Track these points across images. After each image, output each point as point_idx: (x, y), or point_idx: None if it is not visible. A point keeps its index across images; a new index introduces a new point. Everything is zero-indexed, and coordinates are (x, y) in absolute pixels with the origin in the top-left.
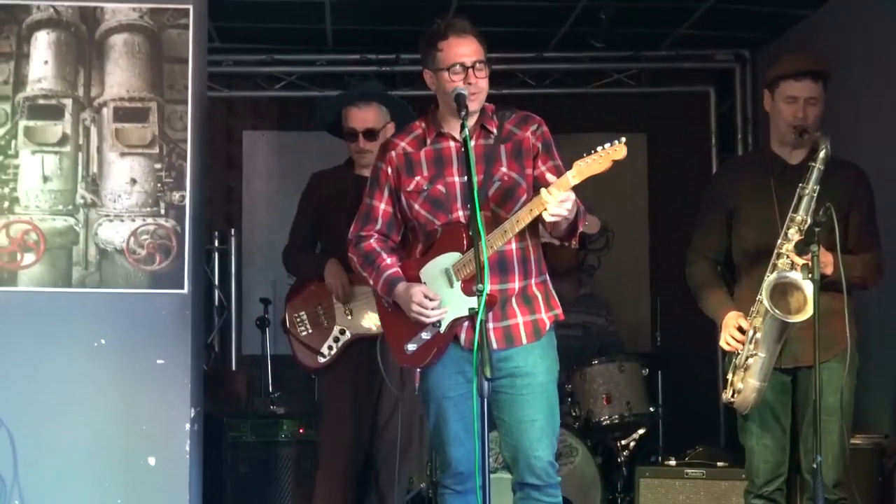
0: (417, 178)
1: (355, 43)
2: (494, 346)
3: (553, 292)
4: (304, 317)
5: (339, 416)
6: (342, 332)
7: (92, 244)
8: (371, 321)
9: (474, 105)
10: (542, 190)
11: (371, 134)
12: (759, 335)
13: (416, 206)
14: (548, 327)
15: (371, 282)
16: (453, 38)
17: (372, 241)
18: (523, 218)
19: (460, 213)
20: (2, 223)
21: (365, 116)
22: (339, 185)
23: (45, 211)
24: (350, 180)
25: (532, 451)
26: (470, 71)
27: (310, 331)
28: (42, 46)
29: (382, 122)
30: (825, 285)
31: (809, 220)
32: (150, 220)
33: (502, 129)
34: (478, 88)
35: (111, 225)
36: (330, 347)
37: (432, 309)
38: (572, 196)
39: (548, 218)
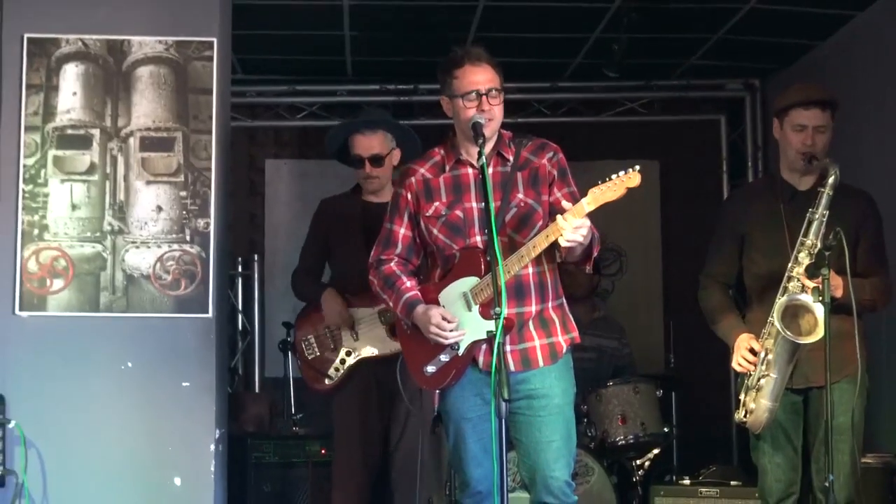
0: (436, 203)
1: (374, 74)
2: (512, 368)
3: (570, 315)
4: (312, 340)
5: (349, 437)
6: (348, 353)
7: (119, 270)
8: (376, 343)
9: (488, 132)
10: (559, 216)
11: (377, 160)
12: (770, 356)
13: (435, 231)
14: (564, 350)
15: (391, 304)
16: (469, 66)
17: (392, 264)
18: (540, 243)
19: (478, 238)
20: (32, 250)
21: (370, 143)
22: (347, 211)
23: (74, 238)
24: (357, 206)
25: (549, 472)
26: (484, 98)
27: (317, 353)
28: (71, 78)
29: (388, 147)
30: (835, 308)
31: (819, 244)
32: (175, 246)
33: (519, 156)
34: (492, 115)
35: (138, 251)
36: (336, 369)
37: (450, 331)
38: (587, 222)
39: (563, 243)
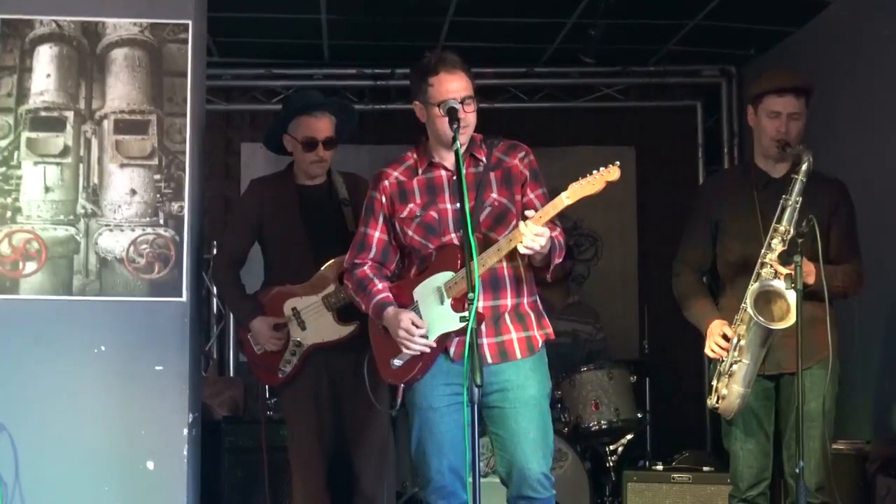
0: (411, 205)
1: (351, 58)
2: (489, 360)
3: (543, 313)
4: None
5: (306, 428)
6: (298, 344)
7: (92, 253)
8: (325, 330)
9: (463, 137)
10: (521, 223)
11: (330, 142)
12: (743, 342)
13: (410, 233)
14: (540, 345)
15: (363, 307)
16: (443, 74)
17: (366, 268)
18: (504, 246)
19: (453, 236)
20: (4, 232)
21: (323, 125)
22: (284, 195)
23: (47, 220)
24: (293, 189)
25: (526, 464)
26: (459, 106)
27: (265, 349)
28: (45, 60)
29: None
30: (808, 294)
31: (792, 231)
32: (149, 229)
33: (491, 156)
34: (466, 122)
35: (111, 234)
36: (287, 361)
37: (419, 336)
38: (547, 232)
39: (522, 250)
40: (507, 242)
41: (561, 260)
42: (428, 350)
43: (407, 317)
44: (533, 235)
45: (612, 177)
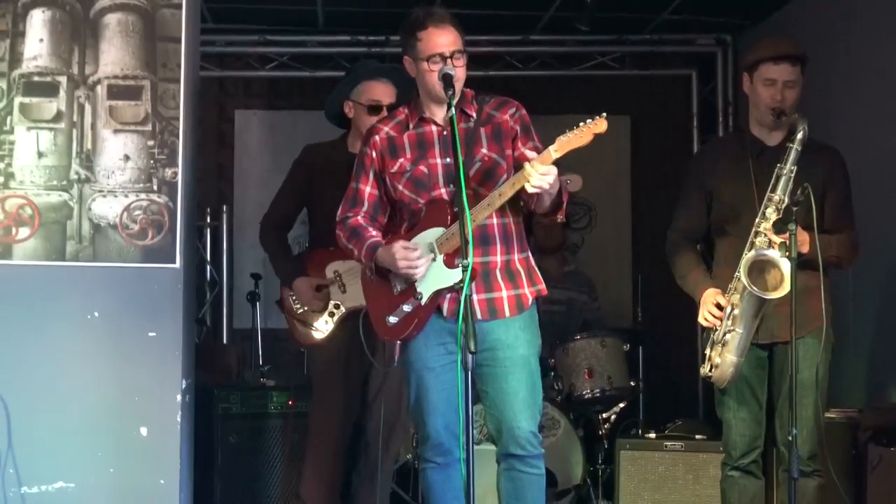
0: (401, 160)
1: (346, 24)
2: (479, 316)
3: (535, 268)
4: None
5: (331, 391)
6: (337, 306)
7: (86, 219)
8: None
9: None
10: (525, 164)
11: (394, 108)
12: (736, 311)
13: (400, 187)
14: (530, 302)
15: (356, 252)
16: (432, 29)
17: (359, 217)
18: (506, 192)
19: (442, 190)
20: None
21: (387, 90)
22: (335, 160)
23: (40, 186)
24: (344, 156)
25: (515, 423)
26: (449, 60)
27: (305, 308)
28: (37, 24)
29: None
30: (802, 263)
31: (787, 200)
32: (142, 195)
33: (481, 112)
34: (456, 77)
35: (104, 200)
36: (326, 322)
37: (417, 259)
38: (554, 170)
39: (530, 189)
40: (510, 186)
41: (566, 200)
42: (429, 264)
43: (399, 245)
44: (539, 174)
45: (599, 129)
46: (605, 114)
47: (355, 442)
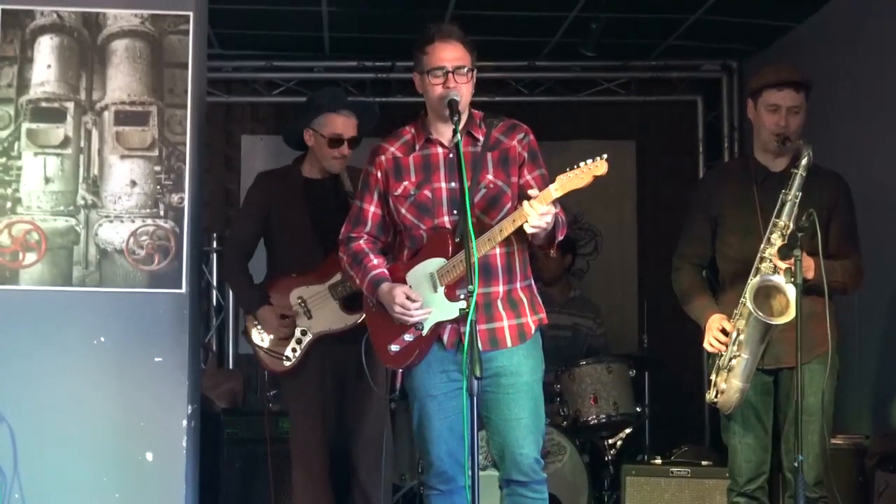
0: (405, 182)
1: (352, 50)
2: (479, 347)
3: (538, 296)
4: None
5: (310, 417)
6: (304, 332)
7: (92, 244)
8: (331, 319)
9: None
10: (525, 203)
11: (355, 141)
12: (742, 337)
13: (403, 211)
14: (533, 331)
15: (357, 281)
16: (438, 43)
17: (361, 241)
18: (507, 228)
19: (446, 218)
20: (4, 223)
21: (348, 124)
22: (291, 187)
23: (47, 211)
24: (299, 181)
25: (518, 449)
26: (450, 75)
27: (271, 336)
28: (45, 51)
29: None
30: (807, 289)
31: (792, 226)
32: (149, 221)
33: (489, 136)
34: (459, 93)
35: (111, 225)
36: (294, 350)
37: (415, 310)
38: (553, 209)
39: (528, 230)
40: (510, 223)
41: (562, 237)
42: (426, 317)
43: (402, 291)
44: (538, 215)
45: (599, 171)
46: (605, 155)
47: (345, 470)
